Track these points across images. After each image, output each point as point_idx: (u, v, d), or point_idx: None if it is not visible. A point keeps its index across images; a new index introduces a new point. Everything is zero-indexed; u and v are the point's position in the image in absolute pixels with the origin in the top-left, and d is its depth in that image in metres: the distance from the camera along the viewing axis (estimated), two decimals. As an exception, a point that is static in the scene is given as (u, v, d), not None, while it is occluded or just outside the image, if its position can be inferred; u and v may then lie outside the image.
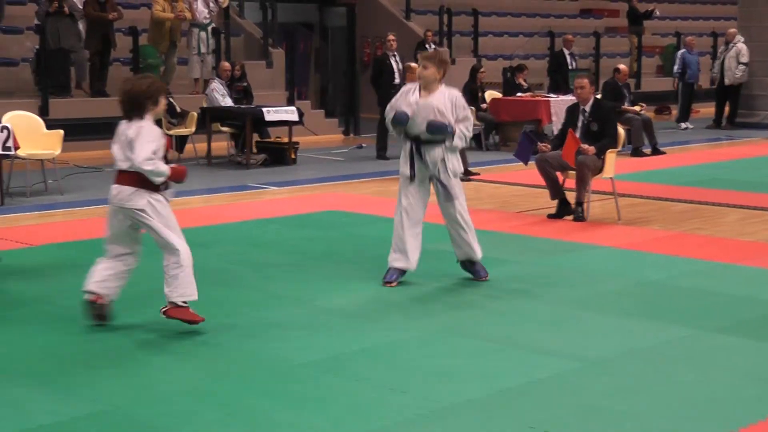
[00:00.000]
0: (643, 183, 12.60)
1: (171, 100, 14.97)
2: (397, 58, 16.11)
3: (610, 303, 7.12)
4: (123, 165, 6.17)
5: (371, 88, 15.94)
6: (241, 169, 14.29)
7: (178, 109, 14.90)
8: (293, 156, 14.87)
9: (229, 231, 9.67)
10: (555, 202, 10.33)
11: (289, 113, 14.86)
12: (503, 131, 17.17)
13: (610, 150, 10.24)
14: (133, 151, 6.07)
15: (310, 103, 19.91)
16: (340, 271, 8.02)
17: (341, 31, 22.32)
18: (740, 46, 19.85)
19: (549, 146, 10.21)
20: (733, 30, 20.49)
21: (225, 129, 15.14)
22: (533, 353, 5.95)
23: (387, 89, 14.23)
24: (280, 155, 14.85)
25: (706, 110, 21.52)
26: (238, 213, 10.68)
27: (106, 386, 5.33)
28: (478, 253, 7.61)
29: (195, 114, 14.90)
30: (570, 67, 19.29)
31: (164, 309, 6.26)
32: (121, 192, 6.17)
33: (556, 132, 12.01)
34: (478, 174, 13.42)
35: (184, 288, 6.20)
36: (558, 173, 10.29)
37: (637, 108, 16.18)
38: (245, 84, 15.62)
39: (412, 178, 7.51)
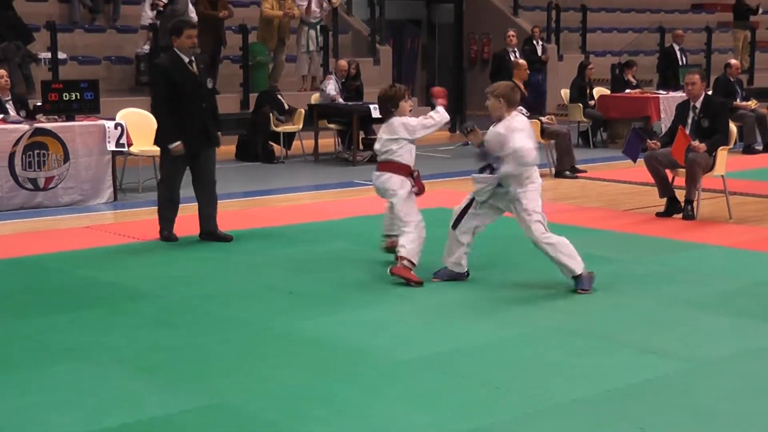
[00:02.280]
0: (755, 181, 12.32)
1: (279, 96, 15.21)
2: (517, 54, 16.14)
3: (722, 303, 6.99)
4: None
5: (477, 85, 15.94)
6: (348, 166, 14.41)
7: (286, 106, 15.10)
8: (399, 153, 14.89)
9: (336, 227, 9.77)
10: (664, 200, 10.18)
11: (396, 110, 14.91)
12: (611, 128, 16.98)
13: (721, 147, 10.04)
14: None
15: (417, 99, 19.96)
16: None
17: (448, 27, 22.27)
18: None
19: (658, 143, 10.07)
20: None
21: (332, 126, 15.30)
22: (643, 353, 5.88)
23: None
24: (385, 152, 14.89)
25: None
26: (346, 209, 10.78)
27: (216, 381, 5.43)
28: (575, 269, 7.25)
29: (302, 111, 15.08)
30: (680, 64, 18.93)
31: (391, 268, 7.44)
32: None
33: (665, 129, 11.83)
34: (586, 171, 13.30)
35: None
36: (667, 171, 10.14)
37: (749, 104, 15.82)
38: (358, 83, 15.77)
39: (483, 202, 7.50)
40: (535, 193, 7.30)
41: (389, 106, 7.71)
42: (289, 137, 15.23)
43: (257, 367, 5.67)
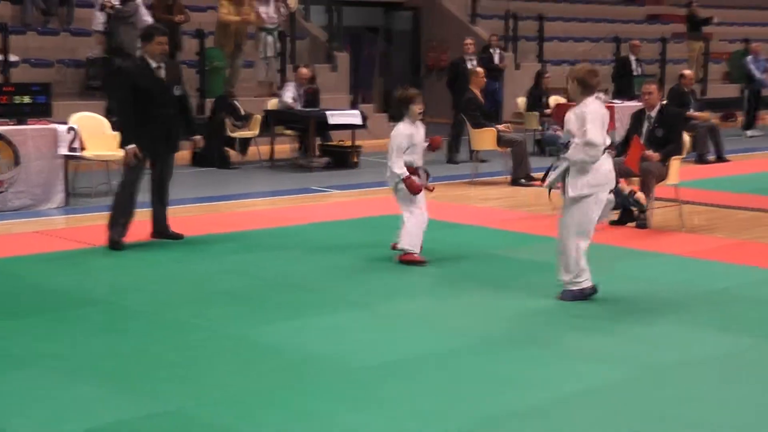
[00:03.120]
0: (708, 190, 12.45)
1: (236, 102, 15.14)
2: (474, 62, 16.19)
3: (674, 311, 7.04)
4: None
5: (435, 92, 15.98)
6: (304, 172, 14.38)
7: (243, 112, 15.05)
8: (356, 159, 14.92)
9: (292, 233, 9.73)
10: (617, 212, 10.23)
11: (353, 117, 14.94)
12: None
13: (674, 157, 10.13)
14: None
15: (374, 106, 19.97)
16: (403, 275, 8.04)
17: (406, 35, 22.37)
18: (808, 53, 19.53)
19: (613, 152, 10.12)
20: (802, 37, 20.17)
21: (288, 132, 15.26)
22: (592, 361, 5.91)
23: (462, 93, 14.25)
24: (342, 159, 14.91)
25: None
26: (302, 216, 10.75)
27: (170, 387, 5.39)
28: (561, 276, 7.26)
29: (259, 117, 15.03)
30: (635, 73, 19.10)
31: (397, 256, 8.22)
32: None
33: (620, 138, 11.90)
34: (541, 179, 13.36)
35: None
36: (622, 180, 10.20)
37: (704, 115, 15.99)
38: (315, 87, 15.76)
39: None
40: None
41: (402, 108, 8.35)
42: (245, 143, 15.17)
43: (211, 373, 5.64)
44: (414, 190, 8.25)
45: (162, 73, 8.80)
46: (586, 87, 7.16)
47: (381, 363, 5.83)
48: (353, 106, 17.42)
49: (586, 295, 7.18)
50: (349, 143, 14.98)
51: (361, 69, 21.33)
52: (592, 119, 7.06)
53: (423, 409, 5.12)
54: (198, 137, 9.49)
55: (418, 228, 8.27)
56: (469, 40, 17.10)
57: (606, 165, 7.19)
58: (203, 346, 6.14)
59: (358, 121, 14.87)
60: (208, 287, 7.57)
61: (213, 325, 6.56)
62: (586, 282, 7.18)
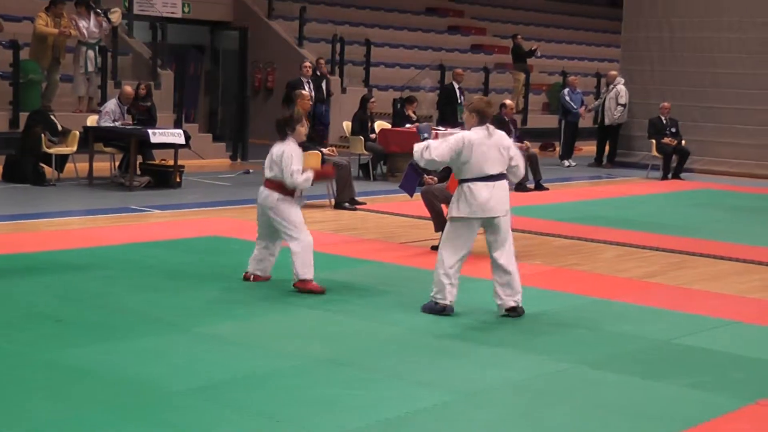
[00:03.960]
0: (526, 217, 12.77)
1: (53, 117, 14.66)
2: (311, 85, 16.20)
3: (488, 335, 7.17)
4: (268, 174, 8.18)
5: (261, 113, 15.90)
6: (124, 191, 14.04)
7: (60, 128, 14.55)
8: (178, 179, 14.65)
9: (109, 254, 9.46)
10: (439, 234, 10.37)
11: (176, 136, 14.68)
12: (392, 162, 17.24)
13: (494, 184, 10.34)
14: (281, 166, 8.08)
15: (198, 126, 19.71)
16: (223, 297, 7.93)
17: (233, 54, 22.15)
18: (620, 87, 20.40)
19: (435, 179, 10.28)
20: (613, 72, 21.05)
21: (108, 150, 14.87)
22: (412, 384, 5.96)
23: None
24: (164, 178, 14.62)
25: (588, 148, 22.02)
26: (120, 236, 10.46)
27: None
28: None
29: (77, 133, 14.58)
30: (459, 101, 19.51)
31: (293, 283, 8.01)
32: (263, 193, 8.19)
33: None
34: (365, 204, 13.45)
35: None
36: (443, 205, 10.35)
37: (524, 145, 16.44)
38: (149, 104, 15.42)
39: None
40: None
41: (286, 129, 8.27)
42: (62, 159, 14.68)
43: (20, 398, 5.41)
44: (329, 174, 9.06)
45: None
46: (483, 117, 7.77)
47: (198, 386, 5.71)
48: (177, 125, 17.14)
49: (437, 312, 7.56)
50: (171, 163, 14.71)
51: (186, 87, 21.01)
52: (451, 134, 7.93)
53: (240, 434, 5.04)
54: None
55: (307, 252, 8.06)
56: (307, 63, 17.13)
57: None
58: (11, 370, 5.89)
59: (181, 140, 14.61)
60: (18, 309, 7.27)
61: (23, 349, 6.29)
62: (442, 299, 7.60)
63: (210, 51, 24.22)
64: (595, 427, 5.42)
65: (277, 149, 8.21)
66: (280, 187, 8.15)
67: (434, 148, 7.56)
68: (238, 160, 18.55)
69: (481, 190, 7.57)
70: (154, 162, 15.04)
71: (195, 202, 13.38)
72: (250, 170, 16.81)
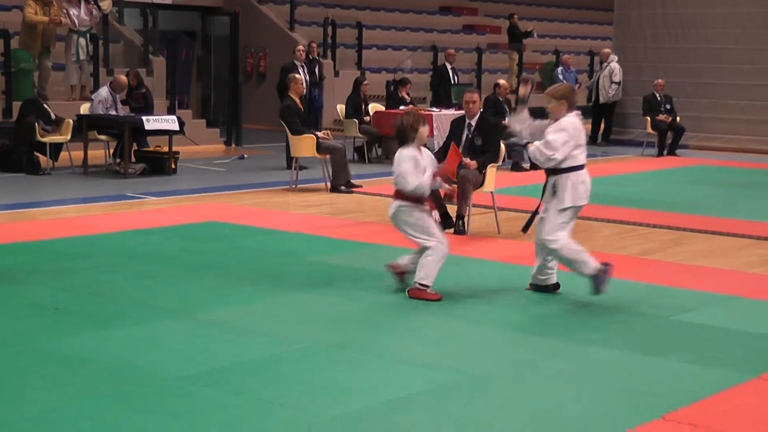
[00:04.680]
0: (523, 197, 12.75)
1: (46, 106, 14.60)
2: (305, 69, 16.11)
3: (488, 316, 7.15)
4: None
5: (253, 99, 15.84)
6: (119, 178, 14.00)
7: (53, 116, 14.50)
8: (173, 166, 14.62)
9: (105, 242, 9.43)
10: (436, 215, 10.35)
11: (170, 122, 14.63)
12: (386, 144, 17.22)
13: (491, 165, 10.33)
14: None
15: (191, 112, 19.65)
16: (219, 282, 7.90)
17: (224, 40, 22.09)
18: (613, 65, 20.36)
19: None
20: (607, 50, 21.00)
21: (102, 137, 14.82)
22: (416, 366, 5.93)
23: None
24: (159, 165, 14.58)
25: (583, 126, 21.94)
26: (116, 223, 10.43)
27: (-28, 402, 5.12)
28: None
29: (71, 121, 14.52)
30: (452, 82, 19.47)
31: (408, 289, 7.49)
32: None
33: (438, 145, 12.08)
34: (361, 186, 13.42)
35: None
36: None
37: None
38: (143, 90, 15.36)
39: None
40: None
41: (410, 132, 7.48)
42: (57, 148, 14.63)
43: (19, 387, 5.38)
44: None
45: None
46: (571, 104, 7.68)
47: (198, 372, 5.69)
48: (170, 111, 17.08)
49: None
50: (166, 149, 14.66)
51: (178, 74, 20.94)
52: (563, 128, 7.65)
53: (243, 417, 5.02)
54: None
55: (437, 261, 7.51)
56: (300, 47, 17.02)
57: None
58: (10, 359, 5.86)
59: (175, 126, 14.57)
60: (16, 298, 7.23)
61: (21, 338, 6.26)
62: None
63: (201, 37, 24.13)
64: (598, 405, 5.40)
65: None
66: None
67: (556, 148, 7.55)
68: (233, 146, 18.51)
69: (587, 177, 7.80)
70: (148, 149, 14.99)
71: (190, 188, 13.35)
72: (245, 155, 16.77)
